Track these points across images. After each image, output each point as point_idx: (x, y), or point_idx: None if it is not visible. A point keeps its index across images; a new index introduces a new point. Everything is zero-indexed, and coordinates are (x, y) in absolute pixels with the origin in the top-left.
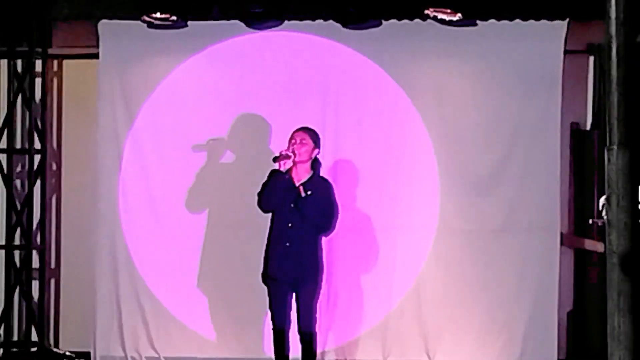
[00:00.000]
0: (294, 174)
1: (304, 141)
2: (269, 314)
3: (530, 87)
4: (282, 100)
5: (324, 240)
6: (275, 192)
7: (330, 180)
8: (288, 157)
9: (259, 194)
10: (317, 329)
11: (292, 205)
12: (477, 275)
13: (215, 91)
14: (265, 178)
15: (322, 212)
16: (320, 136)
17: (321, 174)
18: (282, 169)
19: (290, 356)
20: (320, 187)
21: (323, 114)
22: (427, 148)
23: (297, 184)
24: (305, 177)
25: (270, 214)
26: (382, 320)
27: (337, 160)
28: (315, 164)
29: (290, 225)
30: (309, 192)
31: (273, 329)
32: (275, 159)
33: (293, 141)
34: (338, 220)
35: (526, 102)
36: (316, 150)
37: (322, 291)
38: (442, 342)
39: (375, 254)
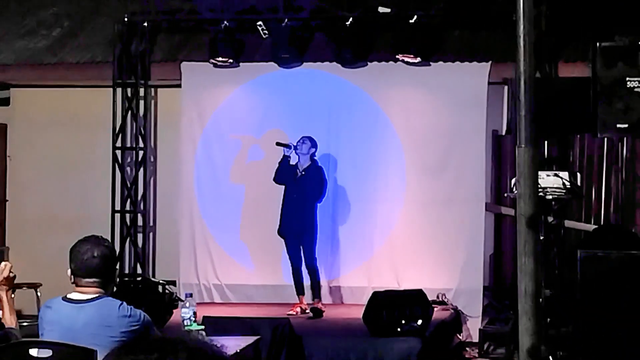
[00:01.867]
0: (299, 162)
1: (305, 142)
2: (286, 255)
3: (465, 106)
4: (299, 116)
5: (330, 207)
6: (281, 171)
7: (324, 168)
8: (287, 145)
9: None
10: (317, 264)
11: (295, 181)
12: (431, 232)
13: (255, 109)
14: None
15: (315, 186)
16: (326, 141)
17: (319, 164)
18: (286, 153)
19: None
20: (315, 171)
21: (328, 125)
22: (397, 145)
23: (301, 169)
24: (306, 164)
25: (283, 188)
26: (367, 260)
27: (338, 155)
28: (313, 157)
29: (295, 196)
30: (302, 173)
31: (291, 266)
32: (277, 144)
33: (299, 142)
34: (336, 195)
35: (462, 115)
36: (313, 149)
37: (326, 240)
38: (407, 274)
39: (364, 216)
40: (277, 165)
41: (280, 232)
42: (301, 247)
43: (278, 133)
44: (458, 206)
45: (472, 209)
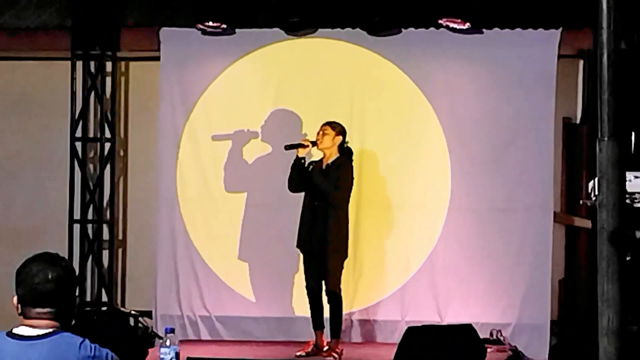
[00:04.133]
0: (324, 159)
1: (325, 131)
2: (298, 279)
3: (528, 86)
4: (314, 97)
5: (351, 216)
6: (292, 174)
7: (356, 166)
8: (301, 145)
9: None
10: (340, 292)
11: (315, 185)
12: (483, 248)
13: (258, 89)
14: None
15: (332, 182)
16: (349, 128)
17: (350, 157)
18: (300, 155)
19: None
20: (340, 166)
21: (350, 109)
22: (439, 137)
23: (324, 166)
24: (332, 159)
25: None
26: (401, 286)
27: (362, 149)
28: (343, 148)
29: (316, 203)
30: (310, 167)
31: (306, 290)
32: (286, 147)
33: (319, 132)
34: (361, 199)
35: (525, 98)
36: (338, 137)
37: (348, 260)
38: (452, 304)
39: (396, 229)
40: (281, 161)
41: (300, 247)
42: (324, 268)
43: (285, 116)
44: (518, 216)
45: (536, 219)
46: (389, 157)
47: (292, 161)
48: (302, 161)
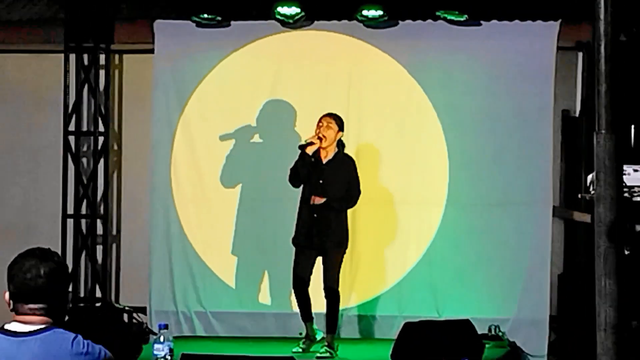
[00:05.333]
0: (321, 154)
1: (330, 125)
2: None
3: (526, 79)
4: (310, 90)
5: (348, 211)
6: (301, 171)
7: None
8: (312, 144)
9: (290, 171)
10: (338, 288)
11: (319, 180)
12: (480, 243)
13: (253, 82)
14: (295, 158)
15: (345, 186)
16: (345, 121)
17: (348, 154)
18: (309, 152)
19: (316, 311)
20: (344, 164)
21: (347, 102)
22: (437, 131)
23: (324, 162)
24: (331, 155)
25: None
26: (399, 281)
27: (359, 143)
28: (340, 144)
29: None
30: (325, 166)
31: (294, 287)
32: (301, 147)
33: (320, 124)
34: (360, 195)
35: (523, 91)
36: (340, 133)
37: (345, 255)
38: (449, 300)
39: (393, 224)
40: (287, 158)
41: (297, 243)
42: (322, 263)
43: (277, 113)
44: (516, 210)
45: (535, 214)
46: (386, 152)
47: (298, 157)
48: (312, 159)
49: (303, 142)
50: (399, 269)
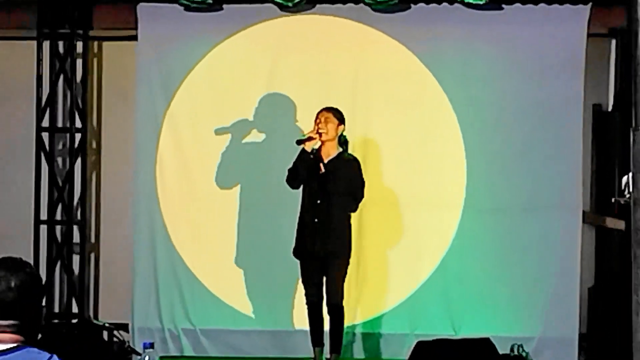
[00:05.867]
0: (322, 152)
1: (328, 119)
2: (301, 288)
3: (553, 70)
4: (313, 81)
5: (353, 216)
6: (300, 170)
7: (359, 158)
8: (311, 139)
9: (288, 172)
10: (343, 303)
11: (319, 182)
12: (502, 253)
13: (249, 72)
14: (295, 156)
15: (347, 188)
16: (351, 115)
17: (350, 152)
18: (308, 149)
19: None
20: (347, 164)
21: (353, 96)
22: (453, 127)
23: (325, 161)
24: (333, 154)
25: (300, 191)
26: (410, 295)
27: (366, 139)
28: (344, 142)
29: (318, 201)
30: (327, 167)
31: (306, 303)
32: (298, 142)
33: (318, 120)
34: (365, 197)
35: (550, 84)
36: (341, 127)
37: (350, 266)
38: (467, 316)
39: (404, 230)
40: (288, 156)
41: (298, 252)
42: (324, 277)
43: (275, 108)
44: (542, 216)
45: (562, 220)
46: (397, 150)
47: (297, 156)
48: (312, 156)
49: (301, 137)
50: (411, 281)
